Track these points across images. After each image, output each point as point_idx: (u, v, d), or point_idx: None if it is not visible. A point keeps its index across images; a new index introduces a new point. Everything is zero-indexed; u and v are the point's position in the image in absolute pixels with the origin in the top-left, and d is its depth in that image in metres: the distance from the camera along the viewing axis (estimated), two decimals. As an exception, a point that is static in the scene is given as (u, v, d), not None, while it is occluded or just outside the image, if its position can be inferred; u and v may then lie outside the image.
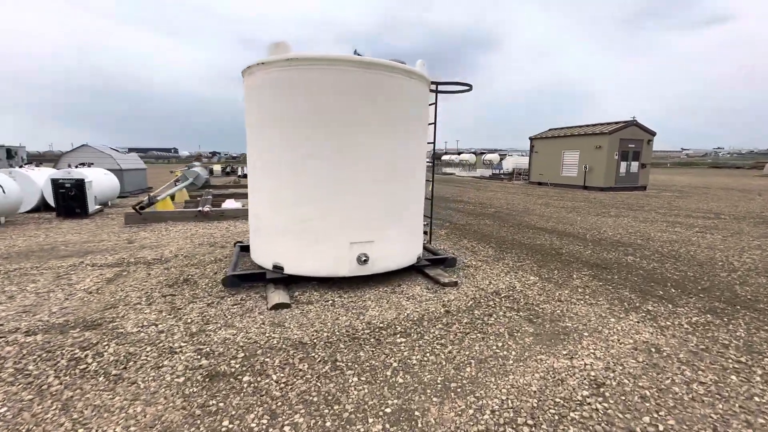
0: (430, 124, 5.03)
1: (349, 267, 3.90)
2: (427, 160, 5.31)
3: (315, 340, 2.91)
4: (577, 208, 11.24)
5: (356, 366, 2.57)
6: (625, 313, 3.52)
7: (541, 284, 4.34)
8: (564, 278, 4.56)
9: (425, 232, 5.72)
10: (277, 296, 3.64)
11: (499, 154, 35.70)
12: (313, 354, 2.72)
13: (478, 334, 3.05)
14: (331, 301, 3.69)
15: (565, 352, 2.78)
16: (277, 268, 4.00)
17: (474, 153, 39.51)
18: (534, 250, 5.96)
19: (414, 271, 4.60)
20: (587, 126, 19.67)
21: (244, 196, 11.65)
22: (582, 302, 3.80)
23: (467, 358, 2.69)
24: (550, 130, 22.09)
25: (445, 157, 39.82)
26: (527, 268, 5.00)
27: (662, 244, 6.36)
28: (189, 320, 3.22)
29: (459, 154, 40.25)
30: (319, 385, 2.36)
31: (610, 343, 2.92)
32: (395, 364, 2.59)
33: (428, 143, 5.23)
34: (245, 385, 2.34)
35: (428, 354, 2.74)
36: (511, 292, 4.02)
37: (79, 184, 8.19)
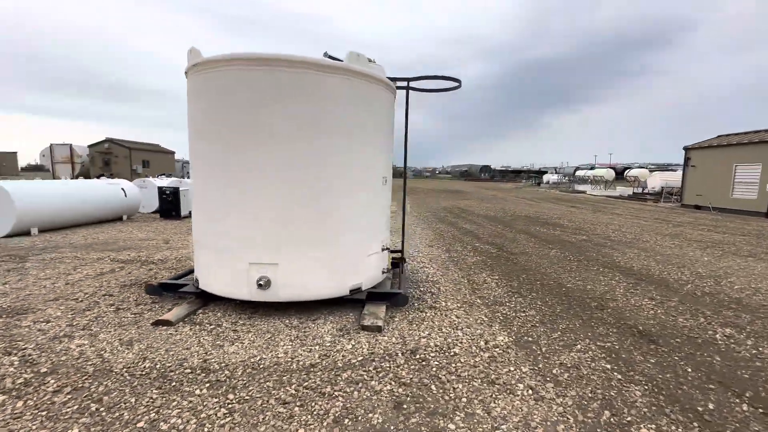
0: (398, 131, 4.18)
1: (248, 290, 3.44)
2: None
3: (131, 369, 2.54)
4: (744, 248, 7.93)
5: (119, 408, 2.09)
6: None
7: (504, 351, 3.00)
8: (553, 343, 3.06)
9: (399, 259, 4.77)
10: (172, 312, 3.45)
11: (650, 170, 28.60)
12: (103, 384, 2.37)
13: (294, 408, 2.19)
14: (217, 326, 3.29)
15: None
16: (197, 282, 3.83)
17: (613, 168, 32.72)
18: (565, 298, 4.31)
19: (350, 304, 3.80)
20: (779, 130, 14.08)
21: None
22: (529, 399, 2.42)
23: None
24: (717, 137, 16.66)
25: (579, 173, 34.29)
26: (518, 321, 3.59)
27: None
28: (80, 326, 3.29)
29: (592, 168, 34.14)
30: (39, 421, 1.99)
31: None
32: (151, 416, 2.02)
33: (391, 152, 4.37)
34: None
35: (209, 413, 2.07)
36: (433, 356, 2.87)
37: (175, 192, 9.89)
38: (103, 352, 2.79)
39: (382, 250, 4.08)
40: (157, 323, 3.28)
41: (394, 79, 4.11)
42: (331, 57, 3.74)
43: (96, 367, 2.60)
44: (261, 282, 3.36)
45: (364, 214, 3.75)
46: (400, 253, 4.58)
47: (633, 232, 9.49)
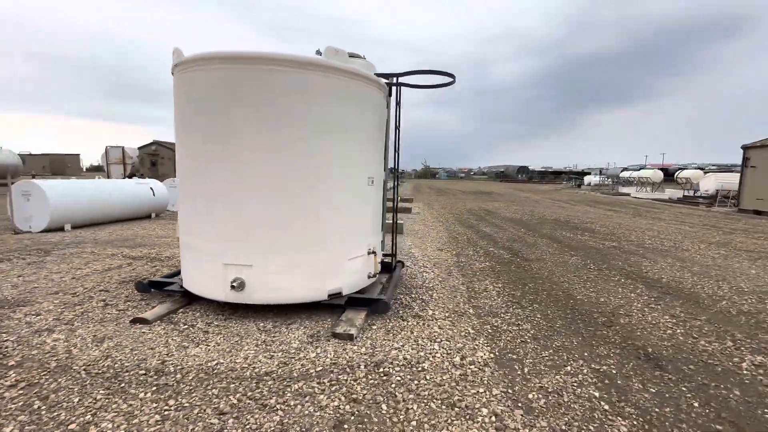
0: (392, 128, 3.99)
1: (224, 291, 3.39)
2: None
3: (90, 367, 2.53)
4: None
5: (60, 407, 2.08)
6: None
7: (479, 369, 2.73)
8: (540, 362, 2.74)
9: (389, 263, 4.55)
10: (152, 311, 3.48)
11: (708, 171, 25.94)
12: (57, 381, 2.38)
13: (228, 420, 2.07)
14: (191, 326, 3.26)
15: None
16: (182, 281, 3.85)
17: (664, 169, 30.07)
18: (570, 311, 3.91)
19: (331, 309, 3.65)
20: None
21: None
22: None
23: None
24: (784, 134, 14.84)
25: (623, 174, 31.96)
26: (507, 335, 3.28)
27: None
28: (65, 320, 3.39)
29: (641, 169, 31.70)
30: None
31: None
32: (86, 418, 1.98)
33: (386, 152, 4.17)
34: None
35: (142, 419, 2.00)
36: (398, 370, 2.65)
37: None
38: (72, 348, 2.85)
39: (369, 253, 3.91)
40: (135, 321, 3.32)
41: (382, 75, 3.92)
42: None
43: (59, 363, 2.64)
44: (234, 283, 3.31)
45: (345, 215, 3.60)
46: (392, 257, 4.38)
47: (673, 239, 8.62)
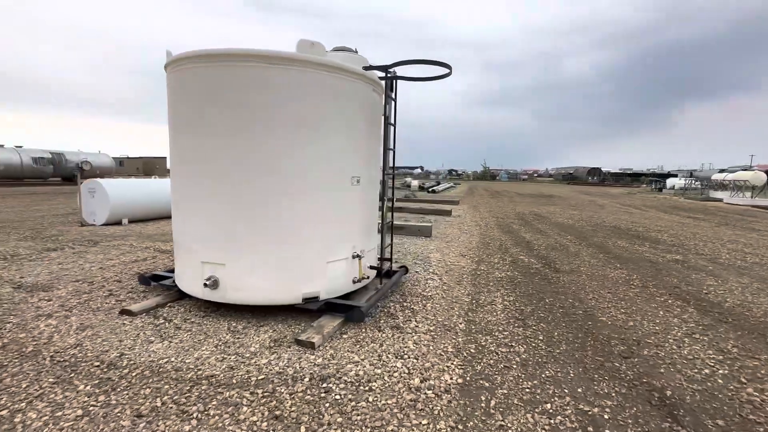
0: (388, 124, 3.73)
1: (201, 289, 3.40)
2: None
3: (57, 354, 2.65)
4: None
5: (4, 392, 2.19)
6: None
7: (437, 396, 2.38)
8: (516, 395, 2.31)
9: (385, 269, 4.24)
10: (140, 303, 3.62)
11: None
12: (21, 366, 2.51)
13: (141, 423, 1.99)
14: (167, 321, 3.31)
15: None
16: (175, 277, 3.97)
17: None
18: (582, 335, 3.33)
19: (309, 313, 3.49)
20: None
21: (398, 209, 11.99)
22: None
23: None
24: None
25: (716, 176, 27.55)
26: (490, 359, 2.85)
27: None
28: (66, 307, 3.66)
29: (744, 170, 27.04)
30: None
31: None
32: (21, 405, 2.05)
33: (387, 149, 3.92)
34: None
35: (66, 412, 2.01)
36: (342, 387, 2.40)
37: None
38: (55, 334, 3.04)
39: (353, 257, 3.69)
40: (122, 312, 3.48)
41: (371, 68, 3.68)
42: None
43: (35, 348, 2.81)
44: (207, 282, 3.30)
45: (324, 216, 3.43)
46: (382, 261, 4.10)
47: (762, 254, 7.14)
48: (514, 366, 2.78)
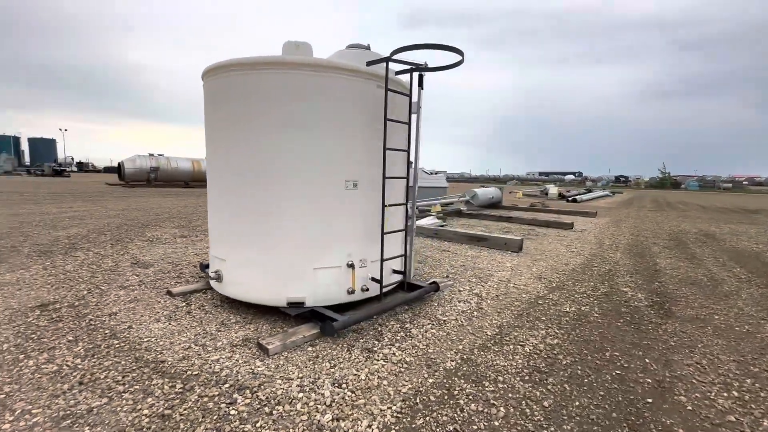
0: (403, 122, 3.36)
1: (215, 281, 3.71)
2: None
3: (91, 320, 3.34)
4: None
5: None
6: None
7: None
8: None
9: (395, 283, 3.73)
10: (182, 287, 4.20)
11: None
12: (35, 326, 3.22)
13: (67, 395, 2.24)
14: (188, 304, 3.74)
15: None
16: (219, 267, 4.46)
17: None
18: (616, 394, 2.26)
19: (297, 318, 3.39)
20: None
21: (506, 219, 10.95)
22: None
23: None
24: None
25: None
26: (456, 411, 2.20)
27: None
28: (134, 282, 4.53)
29: None
30: None
31: None
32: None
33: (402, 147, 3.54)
34: None
35: (21, 383, 2.48)
36: (247, 401, 2.21)
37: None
38: (111, 303, 3.79)
39: (348, 266, 3.43)
40: (167, 293, 4.11)
41: (371, 63, 3.34)
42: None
43: (89, 311, 3.57)
44: (213, 275, 3.60)
45: (310, 220, 3.30)
46: (382, 275, 3.63)
47: None
48: (479, 421, 2.08)
